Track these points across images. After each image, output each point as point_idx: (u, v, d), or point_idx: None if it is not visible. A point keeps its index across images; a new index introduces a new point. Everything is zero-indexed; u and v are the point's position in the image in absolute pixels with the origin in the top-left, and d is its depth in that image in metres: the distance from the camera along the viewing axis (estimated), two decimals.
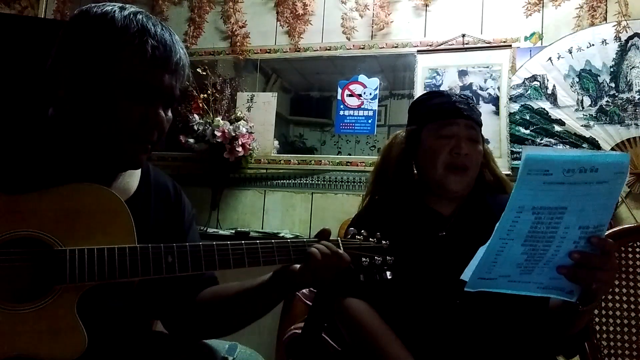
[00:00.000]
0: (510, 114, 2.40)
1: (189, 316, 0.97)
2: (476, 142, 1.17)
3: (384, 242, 0.99)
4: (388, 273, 0.96)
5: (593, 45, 2.31)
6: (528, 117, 2.39)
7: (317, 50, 2.81)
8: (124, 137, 0.82)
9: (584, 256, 0.78)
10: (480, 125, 1.20)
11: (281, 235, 2.59)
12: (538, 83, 2.38)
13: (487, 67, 2.47)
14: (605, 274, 0.80)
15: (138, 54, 0.79)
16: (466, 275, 0.82)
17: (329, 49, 2.80)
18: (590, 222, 0.76)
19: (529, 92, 2.39)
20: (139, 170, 0.96)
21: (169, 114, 0.88)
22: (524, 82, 2.41)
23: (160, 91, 0.83)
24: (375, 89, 2.71)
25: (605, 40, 2.30)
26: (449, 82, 2.52)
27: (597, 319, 1.28)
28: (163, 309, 0.98)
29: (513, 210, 0.74)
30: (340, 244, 0.94)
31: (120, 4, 0.83)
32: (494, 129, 2.39)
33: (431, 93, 1.29)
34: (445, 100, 1.20)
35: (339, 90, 2.75)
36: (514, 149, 2.38)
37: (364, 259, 0.95)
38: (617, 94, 2.26)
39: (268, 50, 2.90)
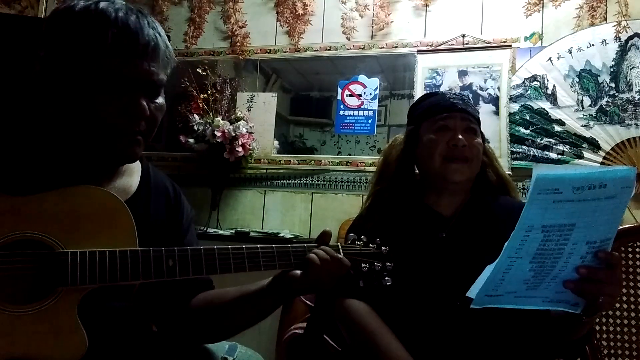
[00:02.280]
0: (510, 114, 2.41)
1: (183, 321, 0.96)
2: (474, 134, 1.17)
3: (383, 248, 0.99)
4: (387, 279, 0.96)
5: (593, 45, 2.31)
6: (528, 117, 2.39)
7: (317, 50, 2.82)
8: (110, 132, 0.79)
9: (591, 271, 0.78)
10: (478, 120, 1.21)
11: (281, 235, 2.59)
12: (538, 83, 2.38)
13: (487, 67, 2.47)
14: (611, 288, 0.81)
15: (100, 44, 0.76)
16: (472, 292, 0.81)
17: (329, 49, 2.80)
18: (597, 237, 0.77)
19: (529, 92, 2.39)
20: (139, 170, 0.96)
21: (159, 100, 0.84)
22: (524, 82, 2.41)
23: (134, 79, 0.79)
24: (375, 89, 2.71)
25: (605, 40, 2.30)
26: (449, 82, 2.52)
27: (597, 319, 1.29)
28: (158, 313, 0.98)
29: (522, 230, 0.74)
30: (340, 249, 0.94)
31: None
32: (494, 129, 2.39)
33: (426, 94, 1.31)
34: (440, 98, 1.22)
35: (339, 90, 2.75)
36: (514, 149, 2.38)
37: (363, 265, 0.95)
38: (617, 94, 2.26)
39: (268, 50, 2.90)
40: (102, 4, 0.78)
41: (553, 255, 0.77)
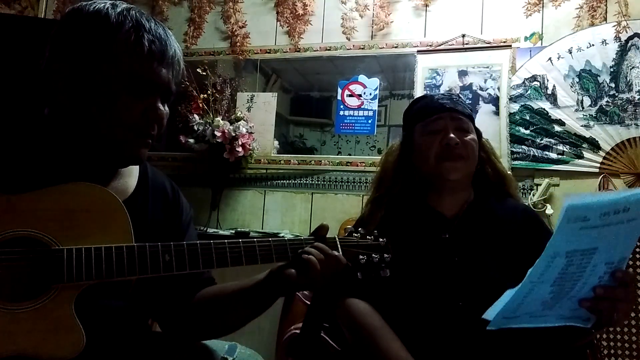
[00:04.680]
0: (510, 114, 2.40)
1: (185, 317, 0.96)
2: (466, 132, 1.18)
3: (381, 239, 0.99)
4: (386, 271, 0.96)
5: (593, 45, 2.31)
6: (528, 117, 2.38)
7: (317, 50, 2.81)
8: (125, 133, 0.82)
9: (607, 290, 0.80)
10: (469, 117, 1.21)
11: (281, 235, 2.59)
12: (538, 83, 2.38)
13: (487, 67, 2.47)
14: (626, 305, 0.82)
15: (135, 50, 0.80)
16: (490, 315, 0.81)
17: (329, 49, 2.80)
18: (615, 258, 0.78)
19: (529, 92, 2.39)
20: (137, 170, 0.96)
21: (166, 108, 0.88)
22: (524, 82, 2.40)
23: (158, 85, 0.84)
24: (375, 89, 2.71)
25: (605, 40, 2.29)
26: (449, 82, 2.51)
27: None
28: (160, 310, 0.98)
29: (548, 257, 0.75)
30: (338, 242, 0.94)
31: (112, 2, 0.84)
32: (494, 129, 2.38)
33: (416, 98, 1.33)
34: (428, 100, 1.24)
35: (339, 90, 2.75)
36: (514, 149, 2.38)
37: (361, 257, 0.95)
38: (617, 94, 2.26)
39: (268, 50, 2.90)
40: (133, 12, 0.82)
41: (573, 278, 0.78)
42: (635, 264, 1.32)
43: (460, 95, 2.31)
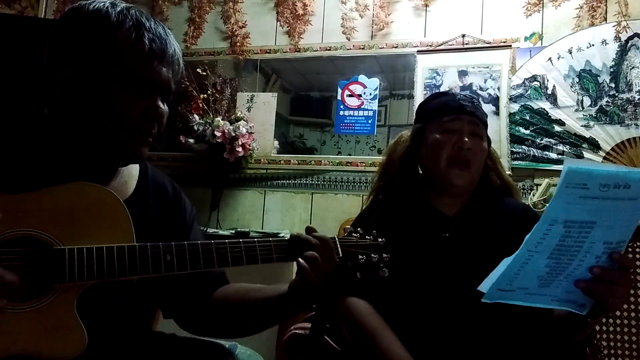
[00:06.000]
0: (510, 114, 2.40)
1: (203, 315, 0.97)
2: (480, 139, 1.17)
3: (380, 239, 0.99)
4: (384, 270, 0.96)
5: (593, 45, 2.31)
6: (528, 117, 2.38)
7: (317, 50, 2.81)
8: (126, 132, 0.82)
9: (604, 271, 0.79)
10: (485, 124, 1.20)
11: (281, 235, 2.59)
12: (538, 83, 2.38)
13: (487, 67, 2.47)
14: (622, 290, 0.81)
15: (136, 48, 0.81)
16: (485, 286, 0.81)
17: (329, 49, 2.80)
18: (614, 238, 0.77)
19: (529, 92, 2.39)
20: (137, 170, 0.96)
21: (166, 107, 0.89)
22: (524, 82, 2.40)
23: (159, 84, 0.84)
24: (375, 89, 2.71)
25: (605, 40, 2.29)
26: (449, 82, 2.51)
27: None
28: (177, 307, 0.99)
29: (546, 223, 0.74)
30: (337, 242, 0.94)
31: (112, 1, 0.84)
32: (494, 129, 2.38)
33: (436, 93, 1.31)
34: (449, 99, 1.21)
35: (339, 91, 2.75)
36: (514, 149, 2.38)
37: (360, 257, 0.95)
38: (617, 94, 2.26)
39: (268, 50, 2.90)
40: (133, 12, 0.83)
41: (570, 252, 0.77)
42: (635, 264, 1.32)
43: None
